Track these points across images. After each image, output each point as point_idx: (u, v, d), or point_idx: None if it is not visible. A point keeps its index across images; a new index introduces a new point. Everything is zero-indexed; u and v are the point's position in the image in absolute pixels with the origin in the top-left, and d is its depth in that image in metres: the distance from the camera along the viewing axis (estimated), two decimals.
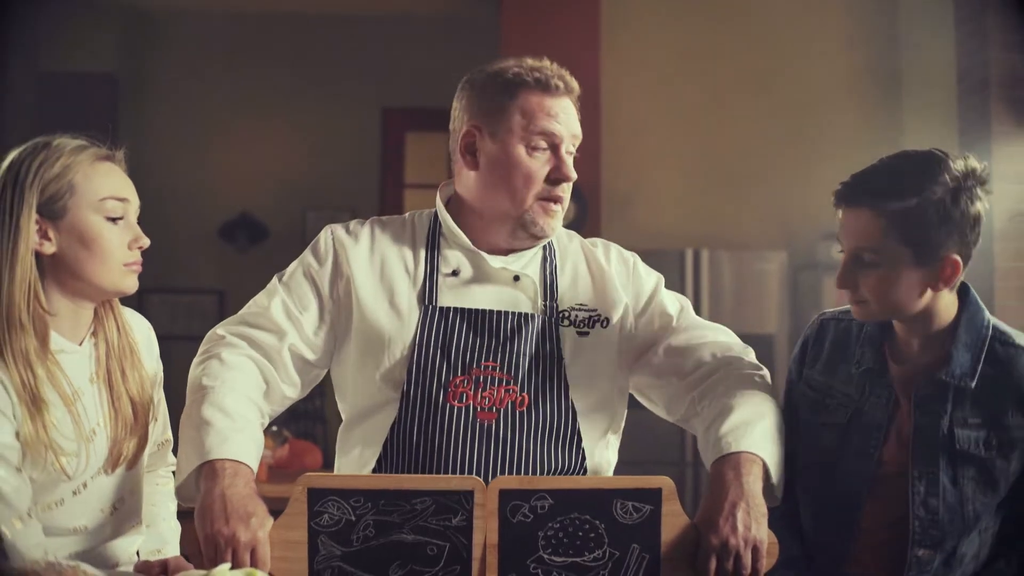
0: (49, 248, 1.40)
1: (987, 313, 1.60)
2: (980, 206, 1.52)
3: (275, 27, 5.71)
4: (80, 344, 1.46)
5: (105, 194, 1.41)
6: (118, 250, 1.43)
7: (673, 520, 1.39)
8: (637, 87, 4.99)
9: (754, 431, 1.49)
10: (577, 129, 1.64)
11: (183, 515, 1.63)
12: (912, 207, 1.49)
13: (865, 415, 1.60)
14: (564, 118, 1.61)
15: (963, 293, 1.59)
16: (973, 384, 1.54)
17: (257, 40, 5.70)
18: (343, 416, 1.68)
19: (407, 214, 1.72)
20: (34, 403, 1.36)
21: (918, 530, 1.55)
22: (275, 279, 1.63)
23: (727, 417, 1.50)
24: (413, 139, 5.84)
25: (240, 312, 1.61)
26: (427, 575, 1.35)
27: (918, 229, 1.49)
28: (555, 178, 1.60)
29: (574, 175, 1.62)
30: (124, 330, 1.51)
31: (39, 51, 5.40)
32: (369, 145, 5.75)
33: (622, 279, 1.69)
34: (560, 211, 1.63)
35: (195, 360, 1.55)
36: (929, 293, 1.54)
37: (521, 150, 1.59)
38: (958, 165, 1.51)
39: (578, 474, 1.57)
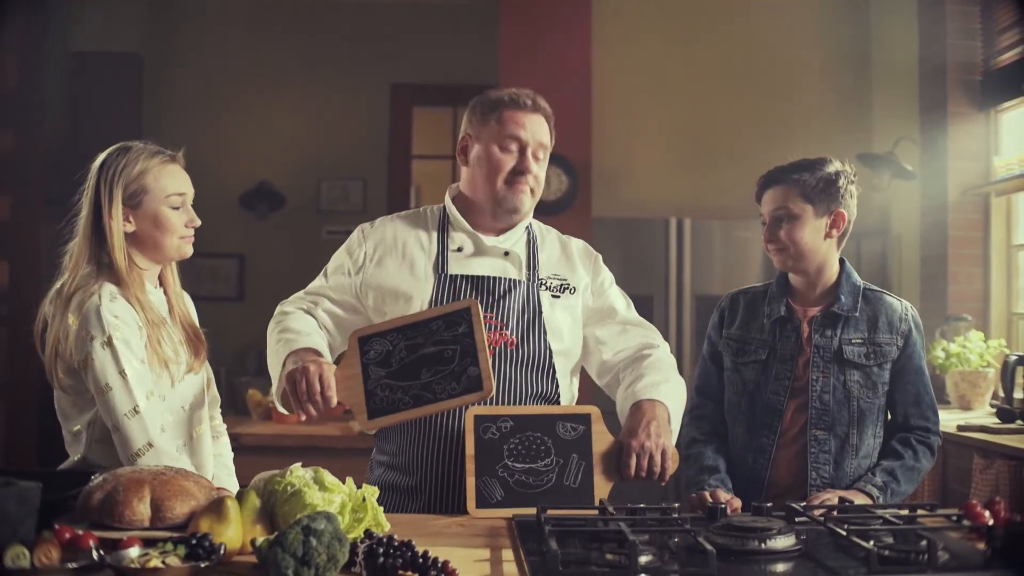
0: (130, 228, 1.92)
1: (857, 275, 2.20)
2: (852, 188, 2.15)
3: (292, 10, 5.89)
4: (155, 288, 2.00)
5: (170, 192, 1.94)
6: (178, 228, 1.96)
7: (601, 437, 1.85)
8: (626, 69, 5.19)
9: (661, 388, 1.95)
10: (543, 139, 2.05)
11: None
12: (808, 177, 2.11)
13: (779, 350, 2.15)
14: (530, 127, 2.03)
15: (842, 263, 2.20)
16: (857, 314, 2.13)
17: (274, 22, 5.88)
18: None
19: (422, 208, 2.18)
20: (151, 326, 1.89)
21: (814, 416, 2.10)
22: (325, 268, 2.14)
23: (641, 380, 1.97)
24: (420, 113, 6.03)
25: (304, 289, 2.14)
26: (447, 371, 1.83)
27: (814, 191, 2.10)
28: (519, 169, 2.02)
29: (535, 170, 2.03)
30: (177, 279, 2.05)
31: (71, 33, 5.62)
32: (379, 119, 5.92)
33: (586, 264, 2.14)
34: (527, 189, 2.04)
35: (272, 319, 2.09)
36: (827, 241, 2.13)
37: (495, 148, 2.03)
38: (835, 165, 2.16)
39: (554, 398, 2.02)
